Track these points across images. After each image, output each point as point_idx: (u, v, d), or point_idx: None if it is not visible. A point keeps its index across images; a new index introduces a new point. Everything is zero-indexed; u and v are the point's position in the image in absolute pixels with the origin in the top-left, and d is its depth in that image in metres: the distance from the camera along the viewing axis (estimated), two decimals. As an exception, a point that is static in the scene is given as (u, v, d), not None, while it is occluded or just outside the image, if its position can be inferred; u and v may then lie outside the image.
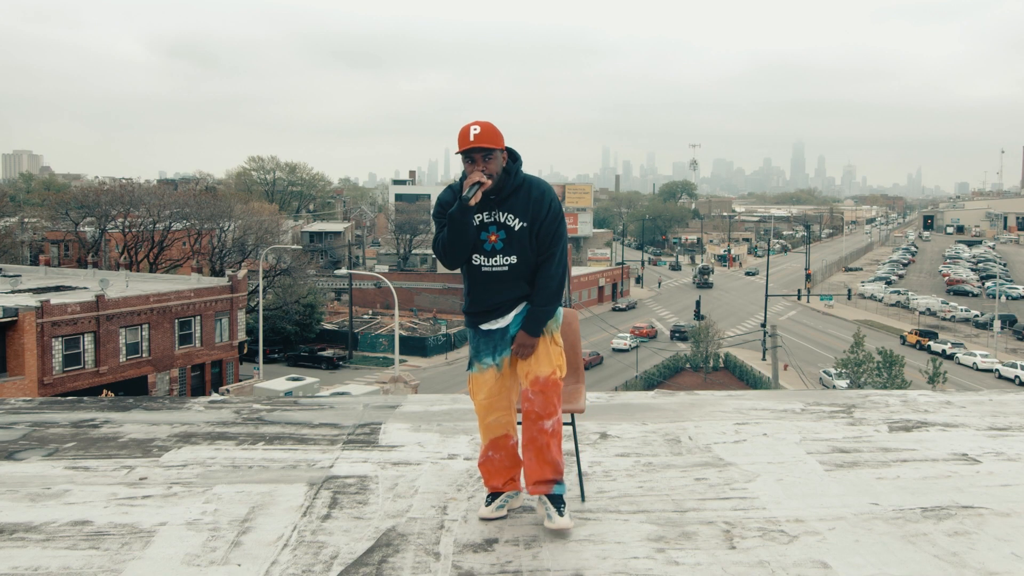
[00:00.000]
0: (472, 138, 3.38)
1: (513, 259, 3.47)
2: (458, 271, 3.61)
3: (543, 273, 3.50)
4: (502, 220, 3.48)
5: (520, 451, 3.58)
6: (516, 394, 3.62)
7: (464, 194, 3.37)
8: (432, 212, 3.63)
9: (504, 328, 3.55)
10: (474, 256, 3.51)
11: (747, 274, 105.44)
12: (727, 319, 68.59)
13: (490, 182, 3.38)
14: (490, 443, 3.61)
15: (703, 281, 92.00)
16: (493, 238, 3.48)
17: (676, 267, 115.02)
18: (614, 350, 56.91)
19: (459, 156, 3.43)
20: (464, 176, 3.51)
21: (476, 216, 3.47)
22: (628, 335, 59.77)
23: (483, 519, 3.53)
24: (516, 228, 3.46)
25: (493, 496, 3.62)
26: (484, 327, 3.55)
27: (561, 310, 3.63)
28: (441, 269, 74.87)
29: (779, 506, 3.69)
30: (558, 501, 3.44)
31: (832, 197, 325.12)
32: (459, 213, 3.41)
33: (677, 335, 62.49)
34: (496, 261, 3.48)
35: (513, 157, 3.51)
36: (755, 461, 4.30)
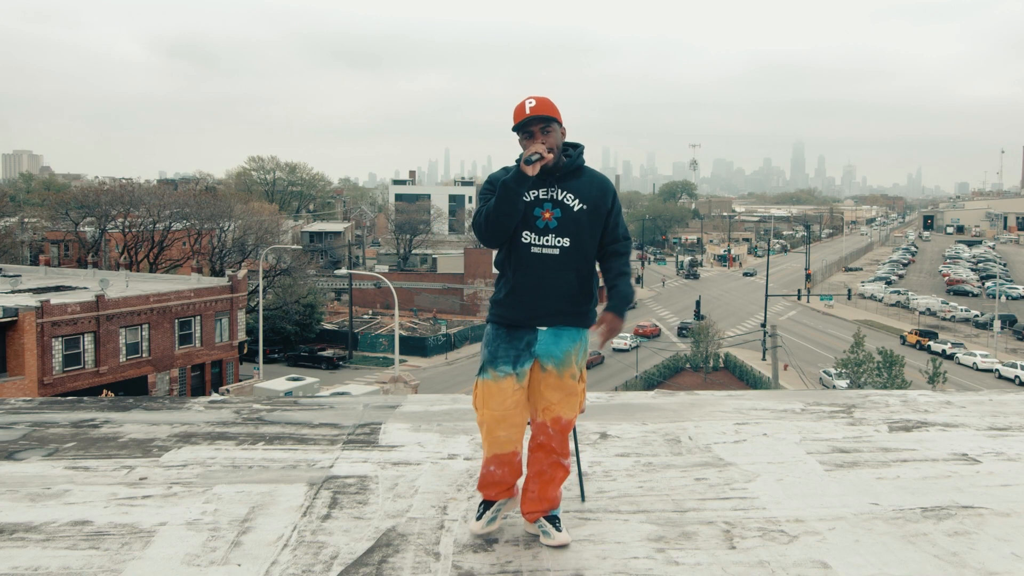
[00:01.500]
0: (528, 110, 3.21)
1: (566, 242, 3.24)
2: (461, 272, 3.45)
3: (623, 260, 3.36)
4: (559, 198, 3.26)
5: (524, 471, 3.43)
6: (529, 412, 3.39)
7: (527, 157, 3.14)
8: (480, 190, 3.41)
9: (534, 335, 3.29)
10: (523, 234, 3.25)
11: (745, 275, 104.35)
12: (727, 319, 68.58)
13: (551, 156, 3.18)
14: (494, 458, 3.34)
15: (690, 272, 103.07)
16: (547, 215, 3.25)
17: (662, 261, 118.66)
18: (614, 350, 56.96)
19: (515, 133, 3.25)
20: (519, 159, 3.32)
21: (531, 192, 3.25)
22: (628, 335, 59.78)
23: (475, 535, 3.34)
24: (575, 208, 3.25)
25: (486, 505, 3.41)
26: (515, 327, 3.28)
27: (588, 339, 3.40)
28: (442, 269, 74.88)
29: (779, 506, 3.69)
30: (553, 519, 3.33)
31: (832, 197, 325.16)
32: (514, 182, 3.17)
33: (684, 331, 63.14)
34: (548, 241, 3.23)
35: (573, 145, 3.37)
36: (755, 461, 4.29)
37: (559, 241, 3.24)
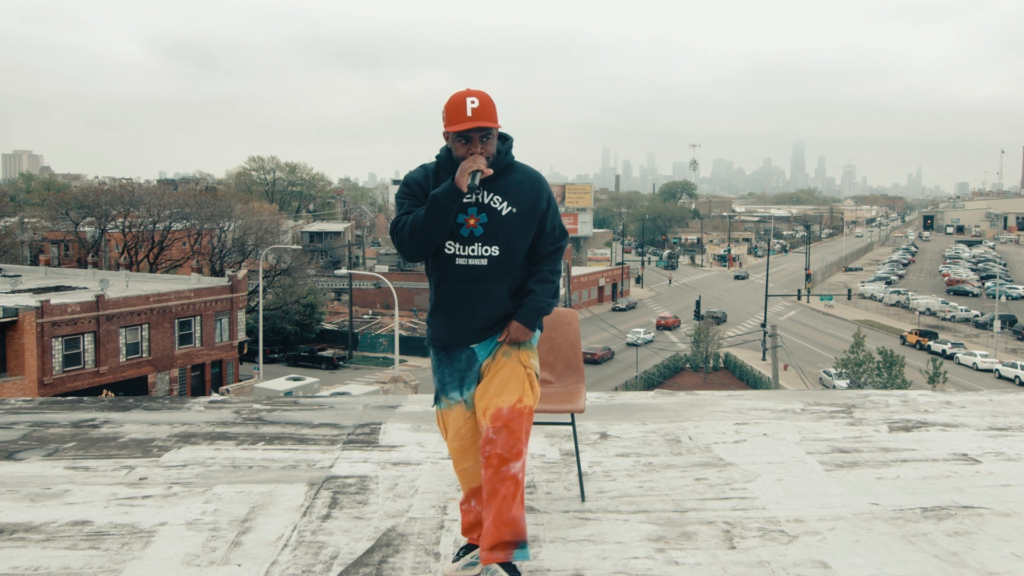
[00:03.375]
0: (471, 113, 2.82)
1: (494, 250, 2.91)
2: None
3: (548, 266, 3.01)
4: (485, 201, 2.92)
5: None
6: None
7: (470, 183, 2.81)
8: (397, 193, 3.01)
9: (472, 352, 3.01)
10: (447, 245, 2.92)
11: (736, 277, 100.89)
12: (727, 319, 68.60)
13: (491, 171, 2.87)
14: (470, 492, 3.09)
15: (669, 264, 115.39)
16: (472, 222, 2.91)
17: (661, 261, 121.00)
18: (628, 344, 57.96)
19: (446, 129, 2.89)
20: (443, 156, 2.96)
21: None
22: (642, 330, 61.80)
23: (447, 575, 2.99)
24: (503, 212, 2.91)
25: (468, 549, 3.07)
26: (450, 348, 3.01)
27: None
28: (441, 269, 74.56)
29: (779, 506, 3.68)
30: (511, 569, 2.82)
31: (832, 197, 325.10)
32: (446, 197, 2.82)
33: (713, 319, 66.62)
34: (473, 251, 2.90)
35: (502, 138, 3.01)
36: (755, 461, 4.30)
37: (486, 250, 2.91)
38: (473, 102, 2.82)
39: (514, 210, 2.93)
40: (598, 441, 4.64)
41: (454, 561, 3.03)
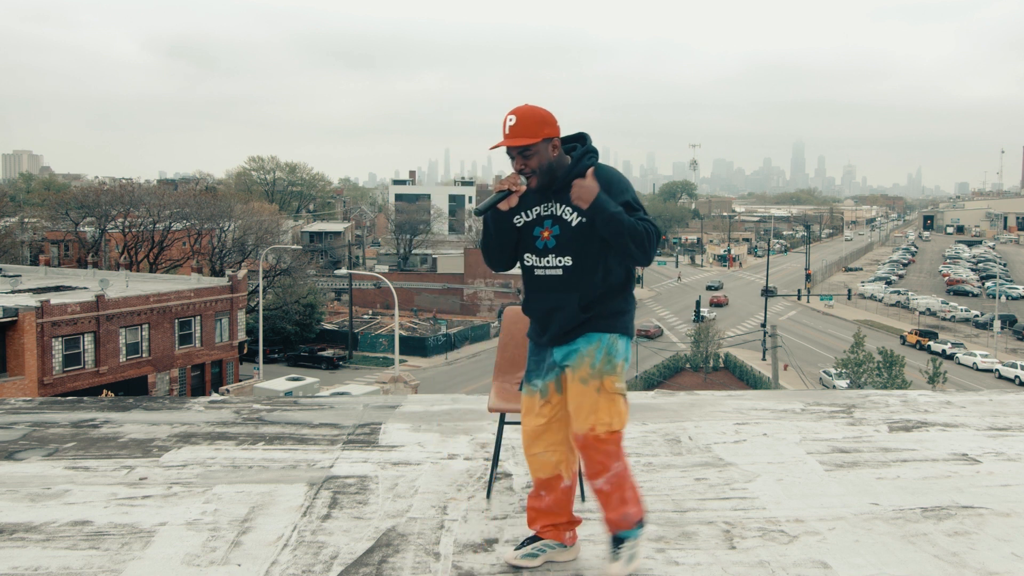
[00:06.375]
0: (507, 131, 2.92)
1: (567, 260, 2.98)
2: (461, 272, 3.32)
3: (634, 220, 2.94)
4: (558, 213, 3.00)
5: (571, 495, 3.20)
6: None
7: (478, 206, 3.03)
8: None
9: (550, 351, 3.09)
10: (526, 256, 3.08)
11: (708, 288, 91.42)
12: (727, 319, 68.61)
13: (523, 188, 2.95)
14: (538, 483, 3.16)
15: None
16: (546, 234, 3.01)
17: (661, 262, 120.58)
18: (694, 321, 64.46)
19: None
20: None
21: (532, 209, 3.04)
22: (704, 308, 70.15)
23: (507, 562, 3.10)
24: (573, 223, 2.97)
25: (531, 540, 3.15)
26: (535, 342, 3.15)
27: (622, 346, 3.04)
28: (442, 269, 74.92)
29: (779, 506, 3.69)
30: (619, 543, 3.04)
31: (832, 197, 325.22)
32: (491, 219, 3.07)
33: (769, 294, 75.90)
34: (548, 262, 3.01)
35: (582, 140, 3.08)
36: (755, 461, 4.30)
37: (560, 261, 3.00)
38: (511, 120, 2.91)
39: (584, 220, 2.96)
40: (598, 441, 4.64)
41: (516, 548, 3.11)
